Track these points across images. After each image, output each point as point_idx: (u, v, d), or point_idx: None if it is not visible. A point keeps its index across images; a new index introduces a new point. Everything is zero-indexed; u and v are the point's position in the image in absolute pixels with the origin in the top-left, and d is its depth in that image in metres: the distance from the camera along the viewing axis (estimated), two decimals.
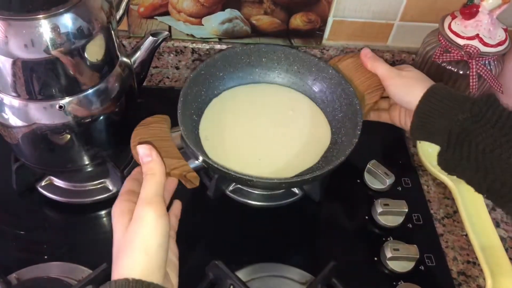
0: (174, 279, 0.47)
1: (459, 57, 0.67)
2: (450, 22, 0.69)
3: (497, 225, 0.66)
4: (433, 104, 0.55)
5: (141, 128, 0.57)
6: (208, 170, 0.67)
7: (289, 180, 0.57)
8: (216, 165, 0.55)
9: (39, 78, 0.50)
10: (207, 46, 0.81)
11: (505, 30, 0.68)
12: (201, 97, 0.67)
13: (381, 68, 0.62)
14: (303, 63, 0.69)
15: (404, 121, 0.63)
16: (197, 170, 0.57)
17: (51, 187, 0.65)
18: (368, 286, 0.59)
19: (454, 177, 0.70)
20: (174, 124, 0.59)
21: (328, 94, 0.68)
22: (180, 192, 0.67)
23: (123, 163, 0.68)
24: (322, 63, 0.67)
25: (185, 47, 0.81)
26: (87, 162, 0.61)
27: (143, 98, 0.68)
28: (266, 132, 0.66)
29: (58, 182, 0.66)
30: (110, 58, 0.55)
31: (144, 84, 0.68)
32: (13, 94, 0.51)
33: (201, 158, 0.56)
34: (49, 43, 0.47)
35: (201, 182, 0.66)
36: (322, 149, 0.64)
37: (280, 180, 0.55)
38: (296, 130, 0.66)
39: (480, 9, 0.66)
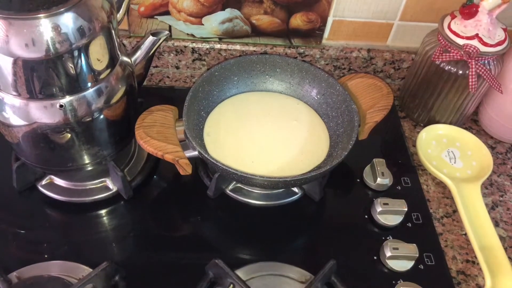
0: None
1: (458, 57, 0.68)
2: (450, 22, 0.69)
3: (496, 224, 0.67)
4: None
5: (145, 113, 0.62)
6: (208, 169, 0.67)
7: (272, 179, 0.58)
8: (207, 156, 0.58)
9: (39, 77, 0.50)
10: (207, 46, 0.81)
11: (505, 30, 0.69)
12: (212, 96, 0.70)
13: None
14: (315, 78, 0.71)
15: None
16: (191, 159, 0.60)
17: (51, 186, 0.65)
18: (368, 285, 0.59)
19: (454, 176, 0.71)
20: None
21: (333, 110, 0.69)
22: (180, 191, 0.68)
23: (124, 162, 0.68)
24: (331, 79, 0.69)
25: (185, 46, 0.81)
26: (87, 161, 0.61)
27: (143, 98, 0.68)
28: (267, 137, 0.68)
29: (58, 181, 0.66)
30: (110, 57, 0.56)
31: (144, 83, 0.69)
32: (14, 93, 0.52)
33: (196, 148, 0.59)
34: (49, 42, 0.47)
35: (201, 182, 0.67)
36: (316, 161, 0.65)
37: (247, 174, 0.57)
38: (296, 139, 0.68)
39: (479, 9, 0.66)
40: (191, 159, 0.60)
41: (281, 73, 0.73)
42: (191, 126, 0.62)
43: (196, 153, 0.60)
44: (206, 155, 0.58)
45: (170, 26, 0.79)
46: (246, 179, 0.58)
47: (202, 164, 0.68)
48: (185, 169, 0.60)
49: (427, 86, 0.74)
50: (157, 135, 0.60)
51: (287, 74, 0.73)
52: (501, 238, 0.64)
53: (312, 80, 0.72)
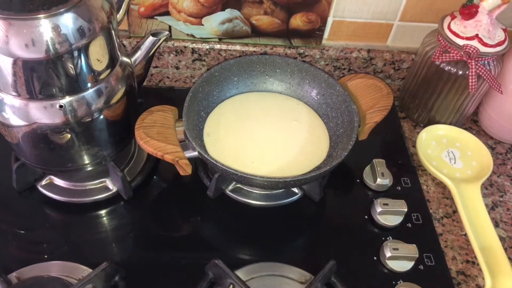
0: None
1: (458, 57, 0.68)
2: (450, 22, 0.69)
3: (496, 225, 0.67)
4: None
5: (145, 114, 0.62)
6: (208, 169, 0.67)
7: (270, 179, 0.57)
8: (206, 156, 0.58)
9: (39, 77, 0.50)
10: (207, 46, 0.81)
11: (505, 30, 0.69)
12: (212, 97, 0.70)
13: None
14: (314, 78, 0.71)
15: None
16: (191, 160, 0.60)
17: (51, 186, 0.65)
18: (368, 286, 0.59)
19: (454, 176, 0.71)
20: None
21: (333, 110, 0.69)
22: (180, 192, 0.68)
23: (123, 163, 0.68)
24: (331, 80, 0.69)
25: (185, 47, 0.81)
26: (87, 162, 0.61)
27: (143, 98, 0.68)
28: (267, 138, 0.68)
29: (58, 182, 0.66)
30: (110, 58, 0.56)
31: (144, 84, 0.69)
32: (14, 93, 0.52)
33: (196, 148, 0.59)
34: (49, 43, 0.47)
35: (201, 182, 0.67)
36: (316, 162, 0.65)
37: (247, 174, 0.57)
38: (296, 140, 0.68)
39: (479, 9, 0.66)
40: (191, 159, 0.60)
41: (281, 74, 0.73)
42: (191, 127, 0.62)
43: (196, 153, 0.60)
44: (206, 156, 0.58)
45: (170, 27, 0.79)
46: (246, 180, 0.58)
47: (202, 164, 0.68)
48: (185, 169, 0.60)
49: (427, 87, 0.74)
50: (157, 136, 0.60)
51: (287, 74, 0.73)
52: (501, 238, 0.64)
53: (312, 80, 0.72)
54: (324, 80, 0.70)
